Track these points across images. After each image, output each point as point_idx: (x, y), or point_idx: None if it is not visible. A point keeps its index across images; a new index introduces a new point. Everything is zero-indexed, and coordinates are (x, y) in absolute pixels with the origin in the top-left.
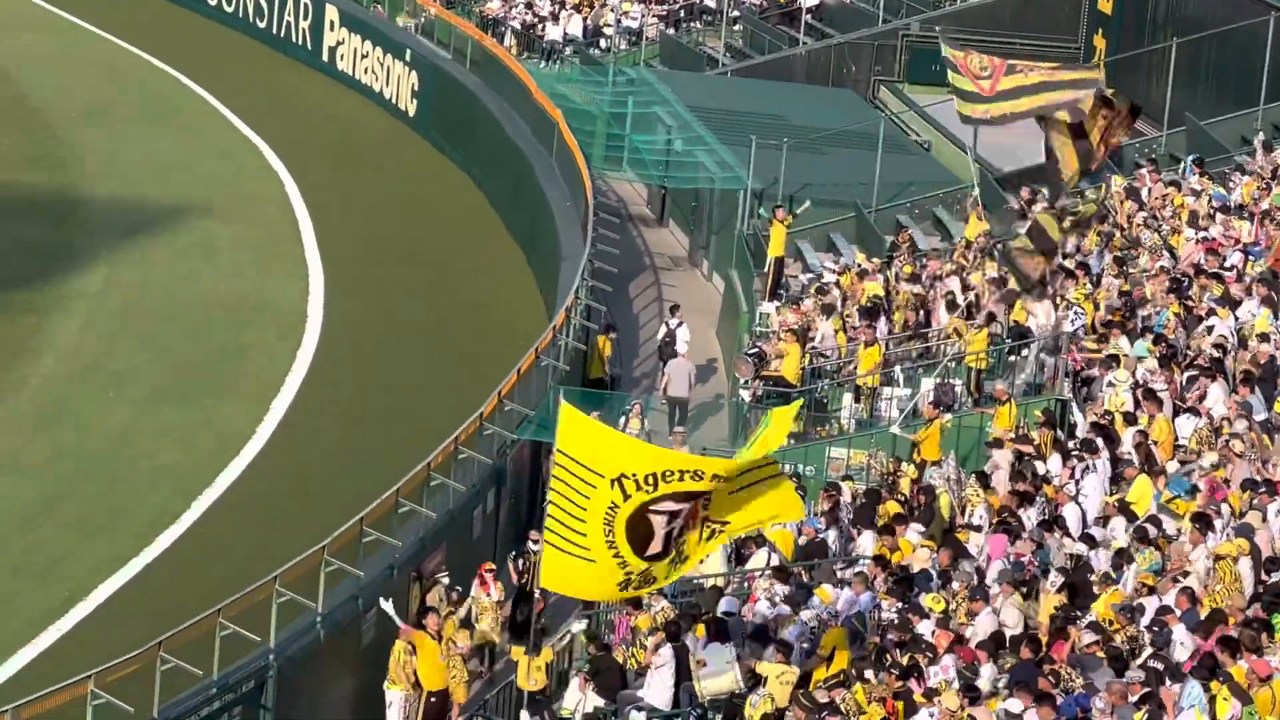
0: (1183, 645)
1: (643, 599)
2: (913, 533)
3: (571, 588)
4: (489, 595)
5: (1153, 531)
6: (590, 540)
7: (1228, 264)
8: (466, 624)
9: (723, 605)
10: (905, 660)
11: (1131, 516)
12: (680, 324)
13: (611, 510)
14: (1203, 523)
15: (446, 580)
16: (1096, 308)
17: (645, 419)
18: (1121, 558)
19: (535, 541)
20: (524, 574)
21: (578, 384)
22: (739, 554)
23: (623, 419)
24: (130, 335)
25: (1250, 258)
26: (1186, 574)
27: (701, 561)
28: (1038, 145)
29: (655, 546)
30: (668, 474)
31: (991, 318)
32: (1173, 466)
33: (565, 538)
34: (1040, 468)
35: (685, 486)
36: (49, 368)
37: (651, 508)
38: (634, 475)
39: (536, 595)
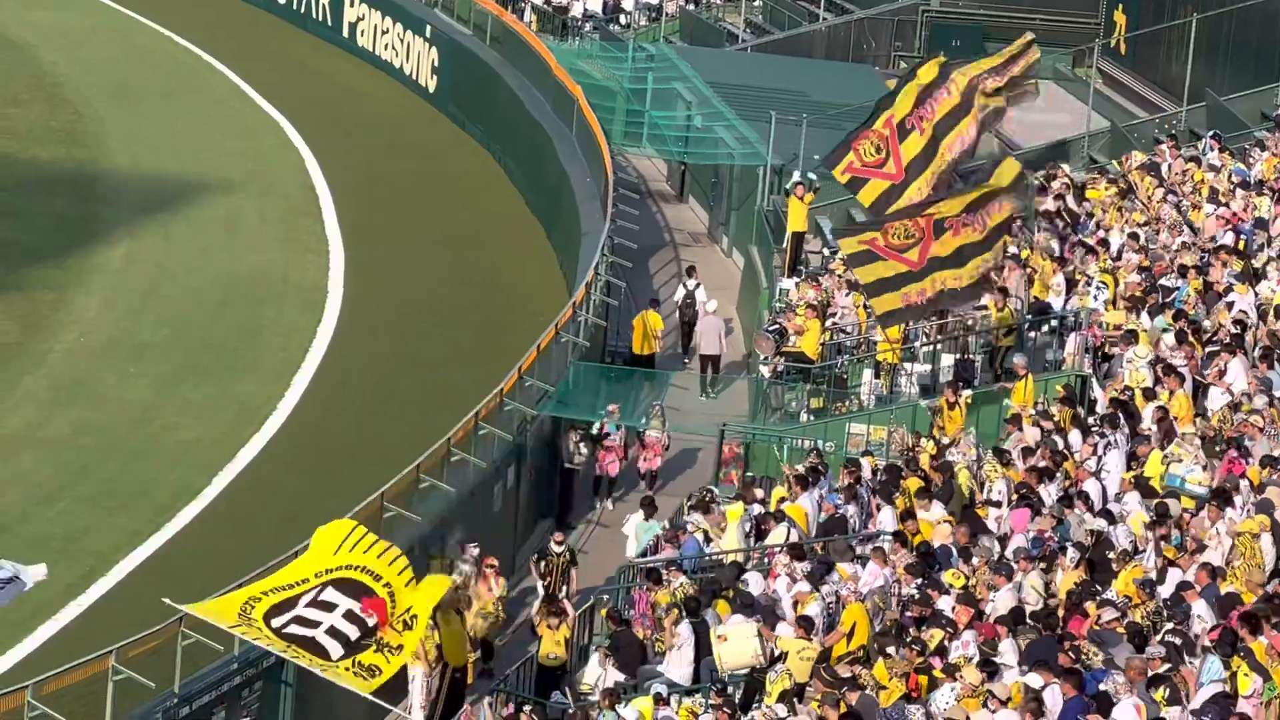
0: (1201, 619)
1: (661, 574)
2: (936, 508)
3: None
4: (490, 590)
5: (1174, 508)
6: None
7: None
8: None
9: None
10: (927, 637)
11: (1147, 492)
12: (698, 285)
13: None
14: (1221, 498)
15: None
16: (1117, 284)
17: (665, 420)
18: (1151, 530)
19: (559, 543)
20: (547, 576)
21: (597, 359)
22: (759, 530)
23: (644, 419)
24: (151, 311)
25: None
26: (1203, 548)
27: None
28: (1063, 119)
29: (335, 648)
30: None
31: (1006, 293)
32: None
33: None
34: (1059, 442)
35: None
36: (70, 343)
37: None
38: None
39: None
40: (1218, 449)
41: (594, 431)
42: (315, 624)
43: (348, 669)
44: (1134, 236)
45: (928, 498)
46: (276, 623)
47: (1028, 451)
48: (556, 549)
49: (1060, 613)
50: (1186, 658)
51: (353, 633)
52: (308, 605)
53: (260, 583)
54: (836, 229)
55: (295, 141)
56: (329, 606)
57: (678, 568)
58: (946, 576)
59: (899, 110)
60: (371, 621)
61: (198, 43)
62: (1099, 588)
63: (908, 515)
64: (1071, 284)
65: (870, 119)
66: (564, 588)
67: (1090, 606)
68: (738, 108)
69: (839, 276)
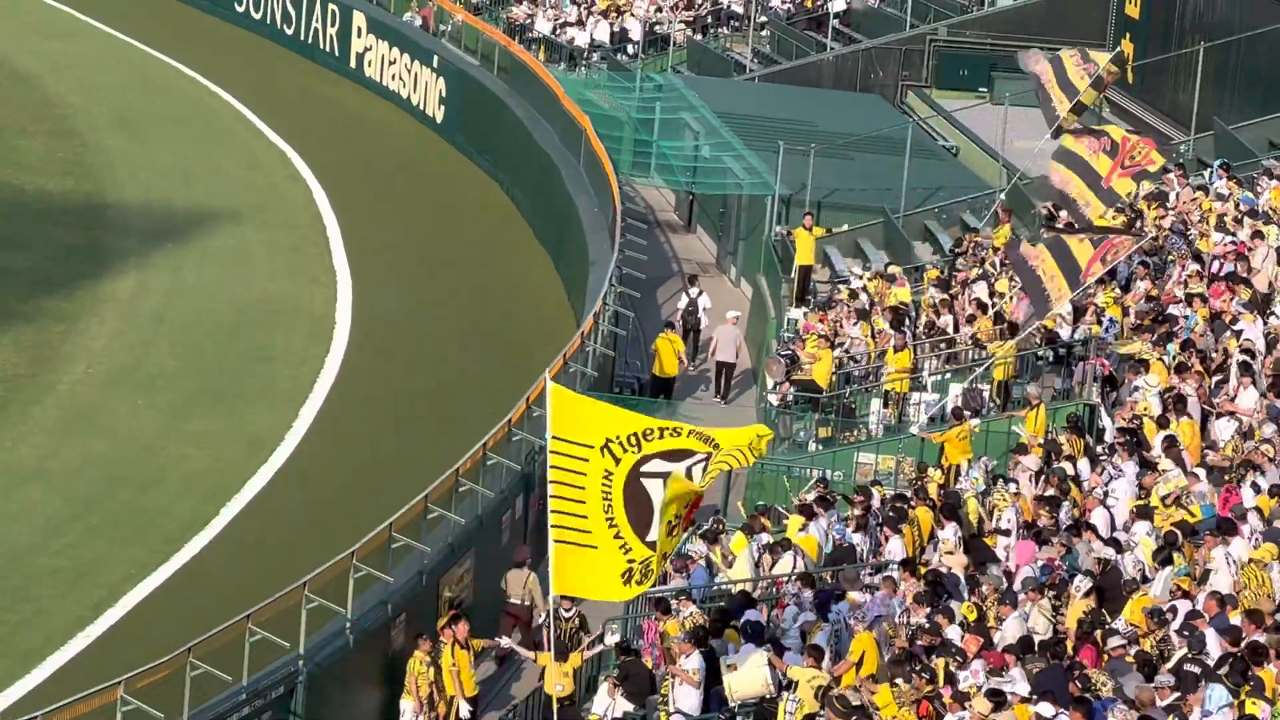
0: (1209, 651)
1: (670, 604)
2: (949, 531)
3: (580, 585)
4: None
5: (1180, 536)
6: (592, 523)
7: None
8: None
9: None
10: (937, 665)
11: (1152, 520)
12: (700, 293)
13: (607, 482)
14: (1226, 528)
15: None
16: (1125, 313)
17: None
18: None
19: (568, 609)
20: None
21: (605, 389)
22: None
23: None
24: (160, 341)
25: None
26: (1207, 574)
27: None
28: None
29: (654, 531)
30: (648, 432)
31: (1015, 328)
32: (1201, 472)
33: (569, 527)
34: (1069, 470)
35: (668, 444)
36: (79, 374)
37: (643, 470)
38: (618, 438)
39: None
40: (1226, 478)
41: None
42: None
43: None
44: (1143, 265)
45: (940, 525)
46: (652, 465)
47: (1038, 475)
48: (565, 614)
49: (1069, 642)
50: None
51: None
52: (685, 471)
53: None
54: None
55: (303, 172)
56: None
57: (687, 597)
58: (962, 609)
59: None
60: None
61: (205, 73)
62: (1108, 617)
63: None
64: (1079, 312)
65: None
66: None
67: (1098, 636)
68: (745, 138)
69: (847, 306)
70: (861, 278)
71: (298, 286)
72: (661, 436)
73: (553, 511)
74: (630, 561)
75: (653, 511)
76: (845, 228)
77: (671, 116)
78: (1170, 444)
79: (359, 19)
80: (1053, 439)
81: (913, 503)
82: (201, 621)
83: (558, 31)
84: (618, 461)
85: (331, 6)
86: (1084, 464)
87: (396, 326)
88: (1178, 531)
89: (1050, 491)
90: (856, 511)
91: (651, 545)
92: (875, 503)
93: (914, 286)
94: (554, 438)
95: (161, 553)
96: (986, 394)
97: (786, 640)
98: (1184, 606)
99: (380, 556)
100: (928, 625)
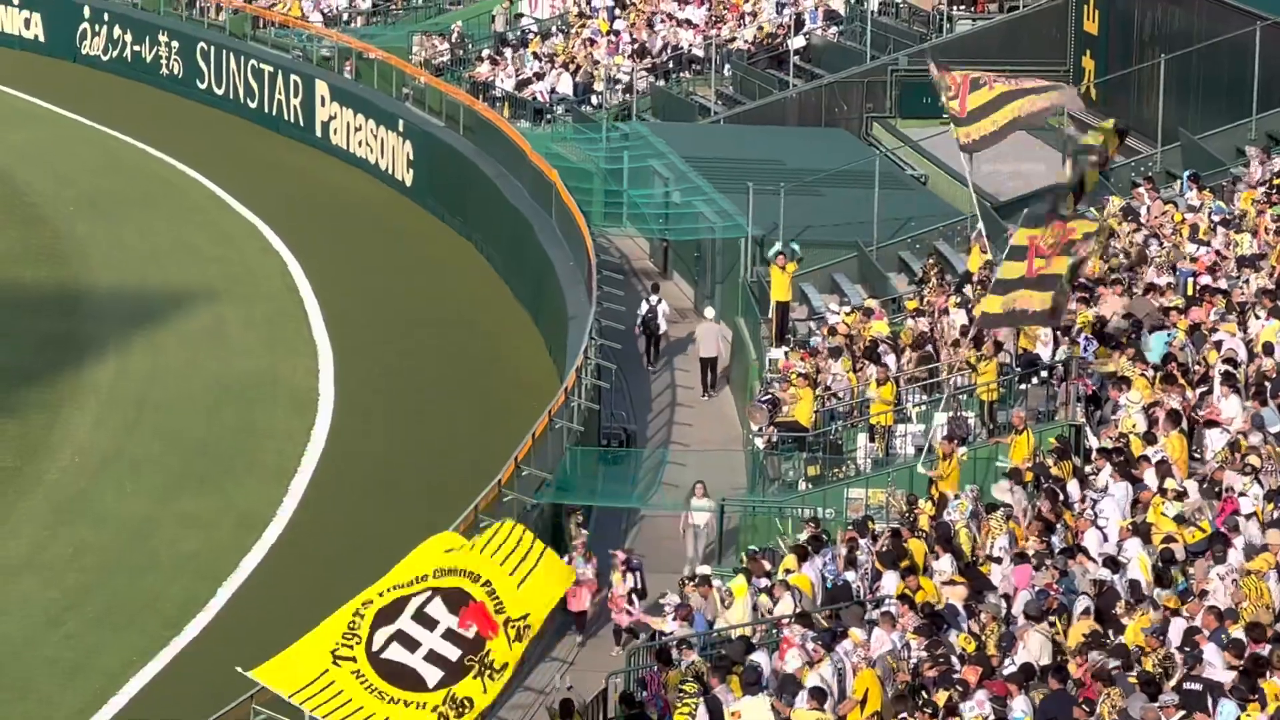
0: (1212, 665)
1: (671, 655)
2: (945, 562)
3: None
4: None
5: (1177, 553)
6: (371, 707)
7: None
8: None
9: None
10: (941, 699)
11: (1148, 539)
12: (660, 300)
13: (360, 679)
14: (1222, 543)
15: None
16: (1103, 327)
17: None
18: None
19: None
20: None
21: (593, 443)
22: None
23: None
24: (144, 424)
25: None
26: (1204, 592)
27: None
28: (1039, 168)
29: (433, 675)
30: (353, 621)
31: (999, 347)
32: (1191, 485)
33: None
34: (1060, 494)
35: (376, 607)
36: (65, 463)
37: (375, 649)
38: (337, 646)
39: None
40: (1217, 490)
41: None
42: (416, 645)
43: (435, 709)
44: (1118, 281)
45: (935, 556)
46: (380, 638)
47: (1029, 500)
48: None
49: (1071, 666)
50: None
51: (452, 653)
52: (412, 618)
53: (376, 585)
54: (1029, 214)
55: (275, 244)
56: (431, 623)
57: (689, 646)
58: (959, 640)
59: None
60: (471, 633)
61: (171, 152)
62: (1108, 638)
63: (909, 572)
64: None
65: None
66: None
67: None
68: (715, 180)
69: (825, 343)
70: (839, 313)
71: (278, 360)
72: (364, 610)
73: None
74: (435, 710)
75: (414, 669)
76: (800, 256)
77: (640, 165)
78: (1163, 465)
79: (321, 88)
80: (1040, 462)
81: (905, 536)
82: (205, 704)
83: (521, 87)
84: (355, 660)
85: (294, 77)
86: (1073, 486)
87: (380, 394)
88: (1173, 549)
89: (1042, 515)
90: (843, 550)
91: (446, 684)
92: (867, 538)
93: (892, 319)
94: (293, 696)
95: (160, 637)
96: (971, 420)
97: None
98: (1178, 624)
99: None
100: (928, 657)
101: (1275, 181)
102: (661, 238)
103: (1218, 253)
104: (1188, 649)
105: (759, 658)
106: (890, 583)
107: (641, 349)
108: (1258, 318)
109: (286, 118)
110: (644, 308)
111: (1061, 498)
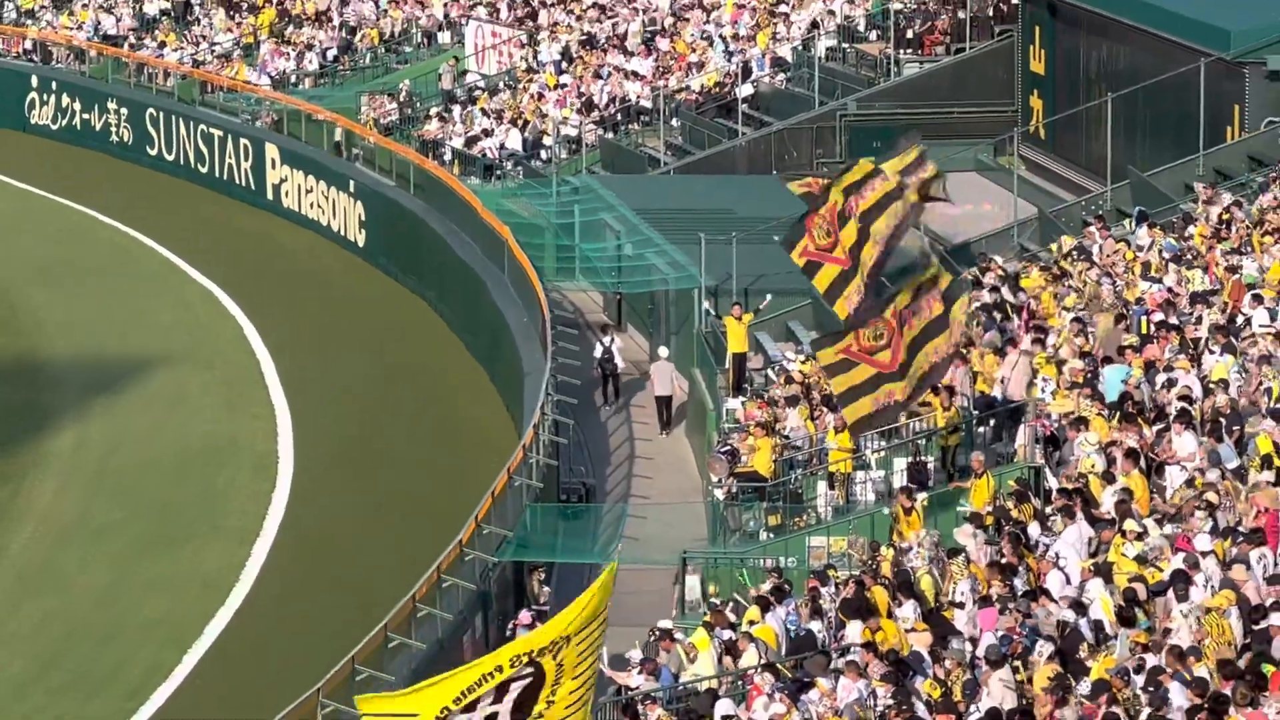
0: (1178, 706)
1: (637, 709)
2: (908, 608)
3: None
4: None
5: (1141, 593)
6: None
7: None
8: None
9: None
10: None
11: (1109, 579)
12: (613, 341)
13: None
14: (1183, 581)
15: None
16: (1060, 370)
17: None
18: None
19: None
20: None
21: (552, 499)
22: (730, 651)
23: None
24: (105, 492)
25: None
26: (1167, 631)
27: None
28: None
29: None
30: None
31: (952, 391)
32: (1151, 524)
33: None
34: (1021, 537)
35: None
36: (29, 533)
37: None
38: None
39: None
40: (1178, 528)
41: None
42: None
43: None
44: (1076, 320)
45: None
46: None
47: (989, 543)
48: None
49: (1037, 709)
50: None
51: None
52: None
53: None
54: (815, 341)
55: (231, 308)
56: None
57: (653, 700)
58: (924, 687)
59: (834, 199)
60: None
61: (124, 219)
62: (1072, 680)
63: (871, 615)
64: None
65: (818, 203)
66: None
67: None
68: (666, 231)
69: (781, 395)
70: (794, 361)
71: (237, 424)
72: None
73: None
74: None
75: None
76: (768, 298)
77: (591, 218)
78: (1123, 502)
79: (272, 150)
80: (1000, 505)
81: (868, 585)
82: None
83: (470, 144)
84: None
85: (243, 141)
86: (1034, 528)
87: (339, 454)
88: (1136, 589)
89: (1004, 559)
90: (807, 599)
91: None
92: (829, 588)
93: None
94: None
95: (126, 708)
96: (931, 465)
97: None
98: (1149, 661)
99: (346, 690)
100: (894, 705)
101: (1224, 217)
102: (615, 291)
103: (1169, 289)
104: (1152, 689)
105: (726, 707)
106: (854, 632)
107: (599, 390)
108: (1211, 353)
109: (238, 181)
110: (599, 350)
111: (1023, 540)
